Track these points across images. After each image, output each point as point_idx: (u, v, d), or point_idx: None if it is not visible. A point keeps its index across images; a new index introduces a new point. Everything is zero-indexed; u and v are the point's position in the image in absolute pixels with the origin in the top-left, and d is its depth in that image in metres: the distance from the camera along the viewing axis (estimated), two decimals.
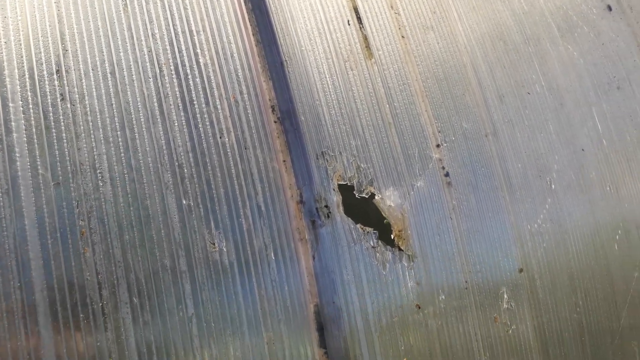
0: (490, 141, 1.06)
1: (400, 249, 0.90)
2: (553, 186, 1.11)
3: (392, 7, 1.05)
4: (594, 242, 1.14)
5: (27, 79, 0.70)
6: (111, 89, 0.75)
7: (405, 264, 0.89)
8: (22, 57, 0.71)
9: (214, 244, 0.76)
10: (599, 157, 1.21)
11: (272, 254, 0.80)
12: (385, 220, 0.92)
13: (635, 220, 1.22)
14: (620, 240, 1.19)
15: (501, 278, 1.00)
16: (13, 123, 0.68)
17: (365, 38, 1.00)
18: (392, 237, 0.91)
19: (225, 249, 0.76)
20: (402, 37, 1.04)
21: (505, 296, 1.00)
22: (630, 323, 1.17)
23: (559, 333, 1.06)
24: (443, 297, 0.93)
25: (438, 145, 0.99)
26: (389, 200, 0.92)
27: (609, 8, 1.42)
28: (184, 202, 0.75)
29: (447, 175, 0.98)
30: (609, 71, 1.32)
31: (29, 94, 0.70)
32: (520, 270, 1.02)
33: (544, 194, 1.10)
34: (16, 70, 0.70)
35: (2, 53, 0.70)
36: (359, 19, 1.00)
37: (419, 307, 0.90)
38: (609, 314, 1.14)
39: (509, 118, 1.11)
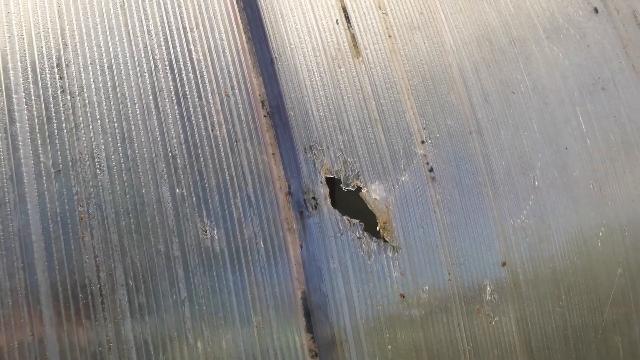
0: (474, 139, 1.15)
1: (385, 241, 0.99)
2: (536, 183, 1.21)
3: (380, 7, 1.14)
4: (577, 239, 1.24)
5: (30, 72, 0.79)
6: (109, 83, 0.84)
7: (390, 255, 0.98)
8: (24, 50, 0.79)
9: (205, 232, 0.84)
10: (582, 156, 1.31)
11: (262, 243, 0.88)
12: (373, 216, 1.01)
13: (618, 218, 1.32)
14: (604, 237, 1.28)
15: (484, 271, 1.09)
16: (16, 113, 0.76)
17: (353, 37, 1.09)
18: (378, 229, 1.00)
19: (216, 237, 0.85)
20: (389, 36, 1.13)
21: (488, 288, 1.09)
22: (614, 318, 1.26)
23: (542, 326, 1.15)
24: (427, 287, 1.01)
25: (423, 142, 1.08)
26: (374, 193, 1.01)
27: (596, 10, 1.53)
28: (177, 191, 0.84)
29: (431, 170, 1.07)
30: (593, 72, 1.42)
31: (31, 86, 0.78)
32: (503, 264, 1.12)
33: (527, 190, 1.19)
34: (19, 63, 0.78)
35: (5, 47, 0.78)
36: (347, 18, 1.09)
37: (403, 297, 0.98)
38: (592, 308, 1.23)
39: (493, 116, 1.20)
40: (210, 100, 0.91)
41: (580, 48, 1.43)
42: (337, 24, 1.08)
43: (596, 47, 1.45)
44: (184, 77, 0.90)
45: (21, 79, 0.78)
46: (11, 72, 0.77)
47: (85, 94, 0.82)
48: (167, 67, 0.89)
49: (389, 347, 0.96)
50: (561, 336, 1.18)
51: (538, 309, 1.15)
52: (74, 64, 0.82)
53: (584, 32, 1.46)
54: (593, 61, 1.43)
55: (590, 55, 1.44)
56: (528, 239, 1.17)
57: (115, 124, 0.82)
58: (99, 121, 0.81)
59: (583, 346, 1.22)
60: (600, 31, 1.49)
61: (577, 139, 1.32)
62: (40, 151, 0.76)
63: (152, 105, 0.86)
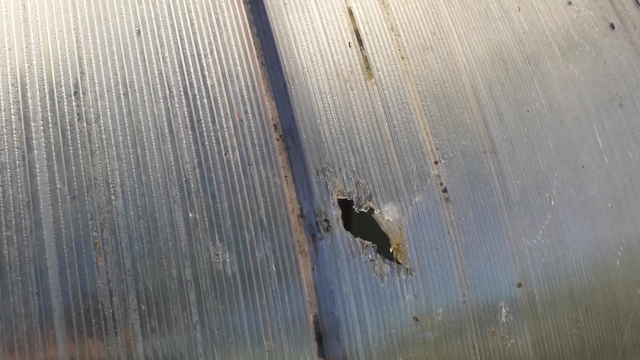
0: (488, 158, 1.12)
1: (398, 262, 0.96)
2: (552, 202, 1.16)
3: (392, 29, 1.12)
4: (595, 258, 1.18)
5: (48, 100, 0.79)
6: (124, 109, 0.83)
7: (403, 277, 0.95)
8: (43, 80, 0.79)
9: (217, 255, 0.82)
10: (599, 173, 1.26)
11: (273, 266, 0.86)
12: (386, 238, 0.98)
13: (638, 237, 1.26)
14: (622, 257, 1.23)
15: (499, 292, 1.05)
16: (34, 141, 0.76)
17: (366, 59, 1.07)
18: (391, 251, 0.97)
19: (228, 260, 0.83)
20: (402, 57, 1.11)
21: (504, 310, 1.04)
22: (634, 340, 1.20)
23: (559, 348, 1.10)
24: (441, 310, 0.98)
25: (436, 162, 1.05)
26: (387, 215, 0.98)
27: (612, 26, 1.48)
28: (190, 215, 0.82)
29: (445, 191, 1.04)
30: (610, 89, 1.37)
31: (49, 114, 0.78)
32: (519, 285, 1.07)
33: (543, 210, 1.15)
34: (38, 92, 0.78)
35: (25, 77, 0.78)
36: (359, 41, 1.07)
37: (417, 320, 0.95)
38: (611, 329, 1.17)
39: (507, 135, 1.17)
40: (224, 125, 0.90)
41: (596, 65, 1.38)
42: (350, 46, 1.06)
43: (613, 64, 1.40)
44: (198, 102, 0.89)
45: (39, 108, 0.78)
46: (30, 101, 0.77)
47: (101, 121, 0.81)
48: (182, 93, 0.88)
49: None
50: (579, 358, 1.13)
51: (555, 330, 1.10)
52: (90, 91, 0.82)
53: (600, 49, 1.41)
54: (610, 78, 1.38)
55: (607, 72, 1.39)
56: (544, 260, 1.12)
57: (130, 150, 0.82)
58: (114, 147, 0.81)
59: None
60: (617, 47, 1.44)
61: (595, 156, 1.27)
62: (57, 177, 0.76)
63: (167, 131, 0.85)
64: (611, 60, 1.41)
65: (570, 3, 1.42)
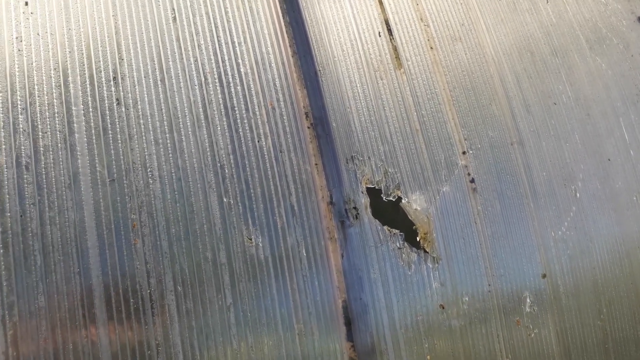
0: (515, 149, 1.10)
1: (425, 251, 0.95)
2: (578, 195, 1.15)
3: (421, 19, 1.11)
4: (619, 251, 1.17)
5: (88, 85, 0.79)
6: (161, 95, 0.83)
7: (430, 266, 0.94)
8: (84, 65, 0.80)
9: (250, 240, 0.83)
10: (625, 167, 1.23)
11: (304, 251, 0.86)
12: (413, 226, 0.98)
13: None
14: None
15: (524, 283, 1.04)
16: (75, 125, 0.77)
17: (395, 49, 1.06)
18: (418, 240, 0.96)
19: (261, 245, 0.83)
20: (431, 48, 1.09)
21: (528, 300, 1.03)
22: None
23: (582, 339, 1.09)
24: (466, 298, 0.97)
25: (464, 152, 1.04)
26: (415, 204, 0.97)
27: (639, 20, 1.44)
28: (225, 200, 0.82)
29: (472, 181, 1.03)
30: (637, 82, 1.34)
31: (89, 98, 0.79)
32: (544, 276, 1.06)
33: (568, 202, 1.13)
34: (78, 77, 0.79)
35: (66, 61, 0.79)
36: (389, 30, 1.06)
37: (443, 308, 0.95)
38: (634, 322, 1.16)
39: (534, 127, 1.15)
40: (257, 113, 0.89)
41: (624, 58, 1.36)
42: (380, 36, 1.05)
43: None
44: (232, 90, 0.89)
45: (80, 92, 0.78)
46: (71, 85, 0.78)
47: (139, 106, 0.81)
48: (217, 80, 0.88)
49: (428, 357, 0.93)
50: (602, 350, 1.11)
51: (578, 321, 1.09)
52: (129, 77, 0.82)
53: (627, 42, 1.38)
54: (637, 71, 1.35)
55: (635, 65, 1.36)
56: (569, 251, 1.10)
57: (167, 135, 0.82)
58: (151, 132, 0.81)
59: None
60: None
61: (621, 150, 1.24)
62: (97, 160, 0.76)
63: (202, 117, 0.85)
64: (638, 53, 1.38)
65: None
